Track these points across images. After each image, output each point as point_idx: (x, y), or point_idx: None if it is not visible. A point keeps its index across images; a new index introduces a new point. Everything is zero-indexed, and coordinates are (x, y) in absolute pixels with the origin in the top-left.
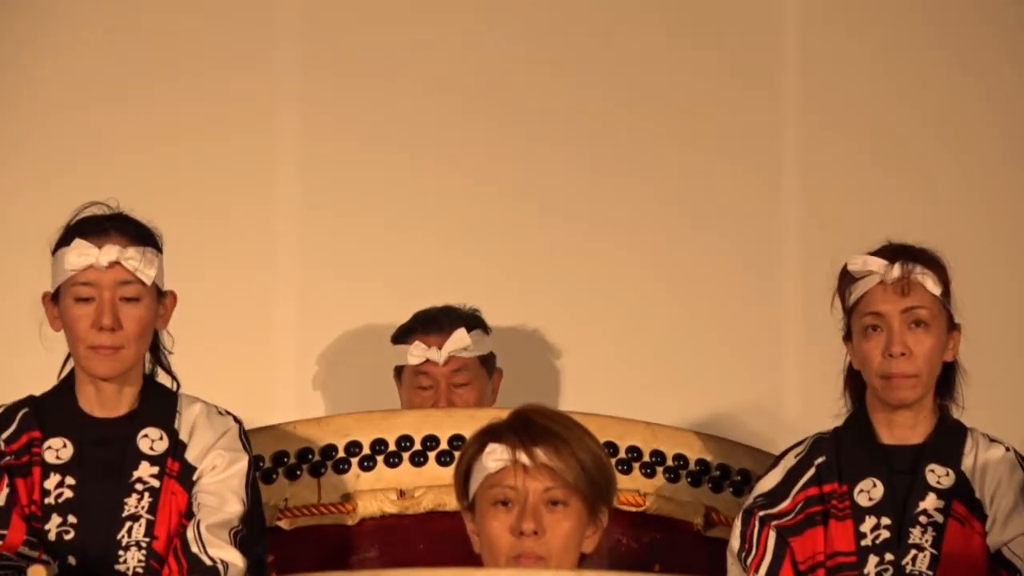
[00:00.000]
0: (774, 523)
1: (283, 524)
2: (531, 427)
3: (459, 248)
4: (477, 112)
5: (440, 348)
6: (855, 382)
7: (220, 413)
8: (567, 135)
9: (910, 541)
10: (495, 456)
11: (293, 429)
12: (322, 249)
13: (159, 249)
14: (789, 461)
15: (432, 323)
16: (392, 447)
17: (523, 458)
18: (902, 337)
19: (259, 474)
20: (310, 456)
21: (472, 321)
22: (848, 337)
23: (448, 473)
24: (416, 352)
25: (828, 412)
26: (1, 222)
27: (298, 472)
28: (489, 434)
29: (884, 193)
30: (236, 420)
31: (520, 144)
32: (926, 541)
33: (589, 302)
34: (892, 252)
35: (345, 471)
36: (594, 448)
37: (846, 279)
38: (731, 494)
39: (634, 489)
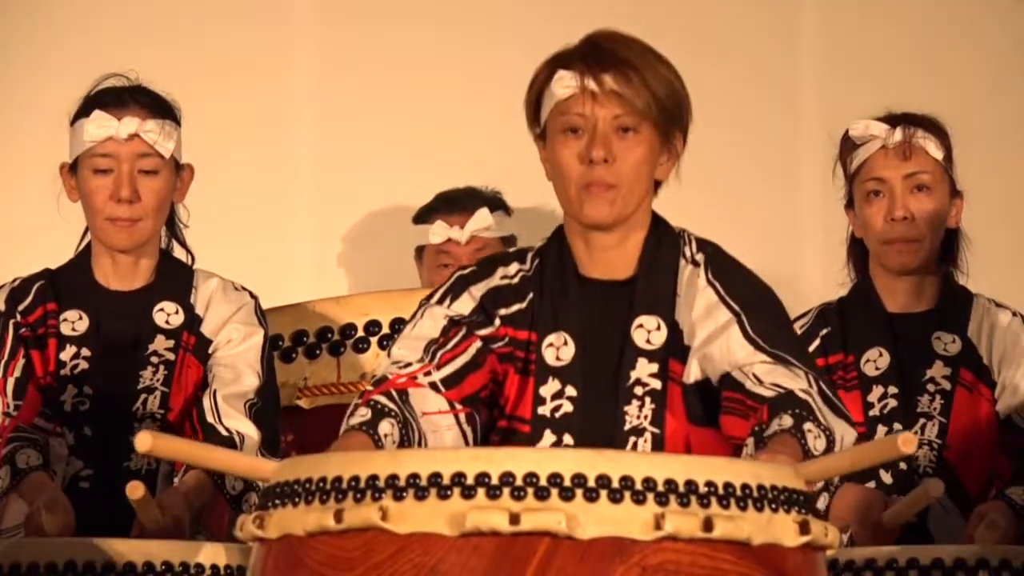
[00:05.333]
0: None
1: (303, 403)
2: (600, 53)
3: (482, 130)
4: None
5: (462, 227)
6: (858, 251)
7: (236, 288)
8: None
9: (918, 410)
10: (563, 83)
11: (312, 308)
12: (342, 129)
13: (178, 122)
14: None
15: (455, 203)
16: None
17: (591, 85)
18: (904, 201)
19: (278, 353)
20: (329, 335)
21: (494, 202)
22: (850, 205)
23: None
24: (438, 231)
25: (845, 285)
26: (19, 92)
27: (317, 351)
28: (558, 60)
29: (900, 69)
30: (252, 295)
31: (543, 23)
32: (934, 409)
33: None
34: (893, 117)
35: (364, 350)
36: (666, 74)
37: (847, 145)
38: None
39: None
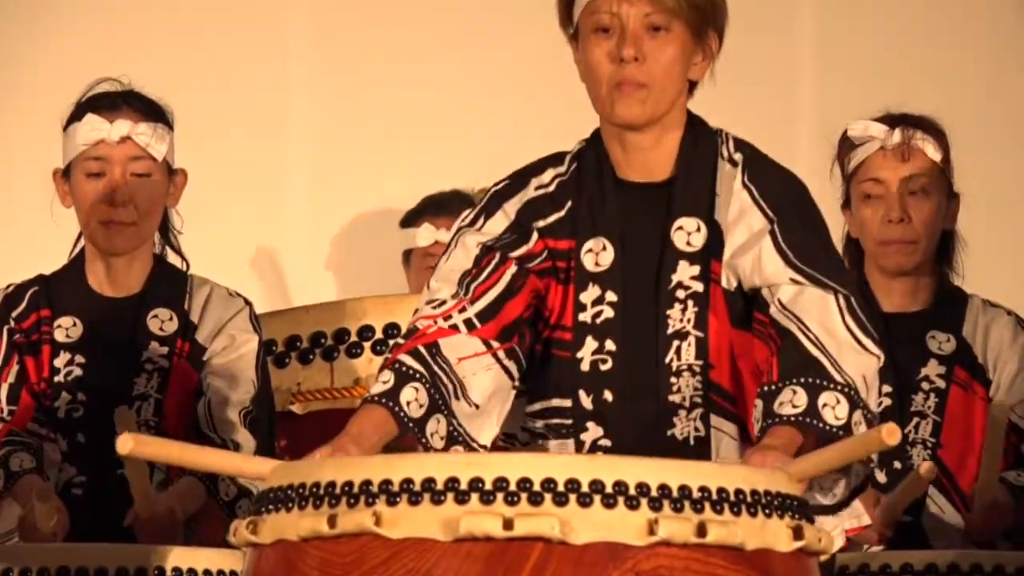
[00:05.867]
0: None
1: (296, 408)
2: None
3: (473, 135)
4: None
5: (448, 229)
6: (853, 251)
7: (230, 294)
8: None
9: (912, 408)
10: None
11: (306, 313)
12: (335, 135)
13: (170, 126)
14: None
15: (441, 206)
16: (405, 331)
17: None
18: (902, 203)
19: (272, 358)
20: (323, 340)
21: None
22: (846, 205)
23: None
24: (425, 234)
25: None
26: (12, 98)
27: (311, 356)
28: None
29: (898, 68)
30: (246, 302)
31: (535, 29)
32: (928, 408)
33: None
34: (893, 118)
35: (358, 355)
36: None
37: (846, 145)
38: None
39: None
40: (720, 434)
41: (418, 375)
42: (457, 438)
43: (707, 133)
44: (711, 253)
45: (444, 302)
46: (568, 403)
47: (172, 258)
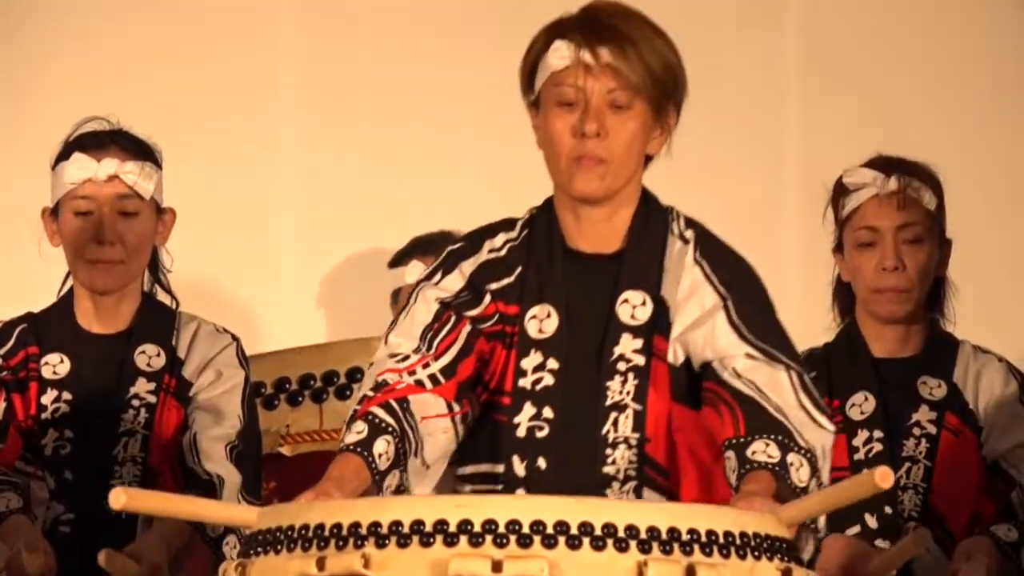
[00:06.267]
0: None
1: (285, 450)
2: (597, 25)
3: (462, 178)
4: (480, 37)
5: None
6: (844, 294)
7: (218, 331)
8: None
9: (904, 454)
10: (559, 54)
11: (295, 355)
12: (324, 177)
13: (159, 164)
14: None
15: (430, 246)
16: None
17: (587, 57)
18: (896, 251)
19: (261, 400)
20: (312, 382)
21: None
22: (839, 249)
23: None
24: (413, 272)
25: (828, 329)
26: (0, 138)
27: (300, 398)
28: (555, 30)
29: (884, 109)
30: (234, 338)
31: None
32: (919, 453)
33: None
34: (888, 165)
35: (347, 397)
36: (662, 48)
37: (840, 190)
38: None
39: None
40: None
41: (390, 429)
42: (401, 493)
43: (659, 210)
44: (655, 328)
45: (407, 356)
46: (500, 468)
47: (161, 296)
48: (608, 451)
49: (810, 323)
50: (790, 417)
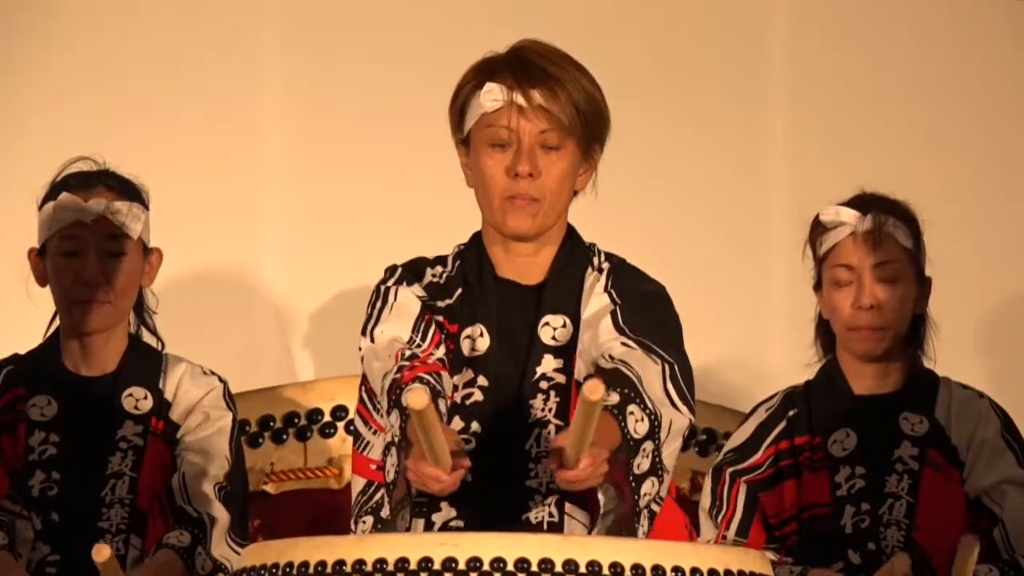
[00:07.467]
0: (744, 478)
1: (269, 488)
2: (528, 67)
3: (449, 214)
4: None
5: None
6: (825, 331)
7: (205, 373)
8: None
9: (886, 490)
10: (491, 96)
11: (279, 393)
12: (309, 212)
13: (145, 205)
14: (760, 415)
15: None
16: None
17: (519, 100)
18: (872, 290)
19: (245, 438)
20: (296, 420)
21: None
22: (819, 286)
23: None
24: None
25: (811, 365)
26: None
27: (284, 436)
28: (487, 71)
29: (870, 144)
30: (221, 380)
31: None
32: (902, 489)
33: None
34: (864, 203)
35: (331, 435)
36: (588, 88)
37: (817, 229)
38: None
39: None
40: (573, 521)
41: (442, 395)
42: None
43: (581, 246)
44: (575, 349)
45: (412, 340)
46: None
47: (147, 337)
48: (531, 465)
49: (792, 361)
50: (646, 387)
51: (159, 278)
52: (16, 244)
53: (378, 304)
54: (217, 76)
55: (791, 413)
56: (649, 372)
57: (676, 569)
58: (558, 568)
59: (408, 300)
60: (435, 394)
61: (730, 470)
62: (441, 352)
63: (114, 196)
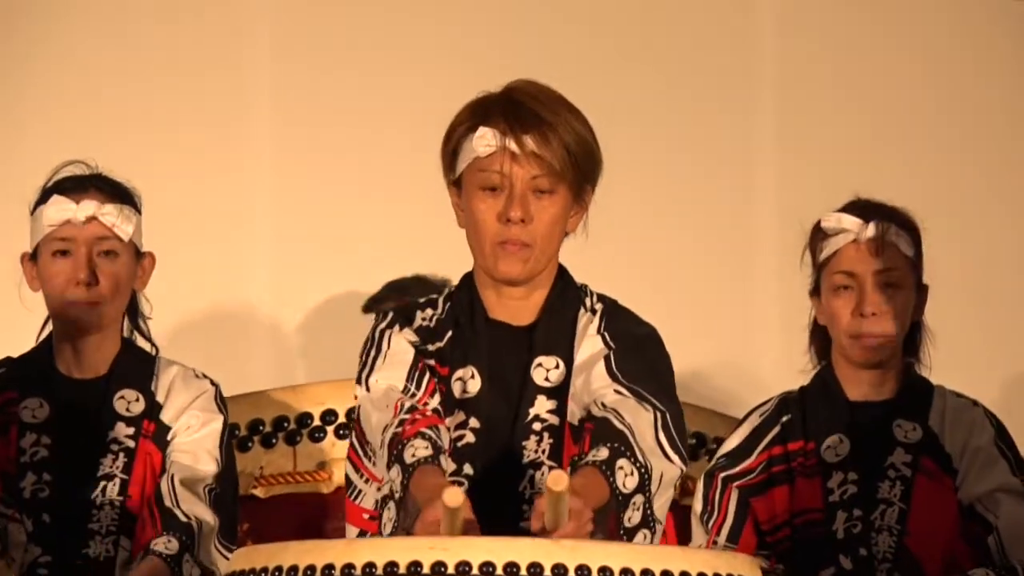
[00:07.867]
0: (736, 484)
1: (258, 492)
2: (521, 111)
3: (437, 223)
4: (460, 68)
5: None
6: (820, 337)
7: (197, 376)
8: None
9: (878, 496)
10: (484, 141)
11: (269, 397)
12: (298, 218)
13: (137, 209)
14: (754, 420)
15: (404, 291)
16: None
17: (512, 145)
18: (873, 297)
19: (235, 442)
20: (285, 424)
21: (443, 290)
22: (815, 292)
23: None
24: None
25: (804, 372)
26: None
27: (273, 440)
28: (480, 115)
29: (859, 151)
30: (212, 383)
31: None
32: (894, 495)
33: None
34: (867, 210)
35: (321, 439)
36: (580, 130)
37: (818, 234)
38: (707, 463)
39: None
40: None
41: (443, 449)
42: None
43: (573, 288)
44: (568, 390)
45: (408, 389)
46: None
47: (141, 342)
48: (525, 507)
49: (783, 368)
50: (637, 439)
51: (151, 281)
52: (11, 247)
53: (372, 352)
54: (210, 87)
55: (785, 418)
56: (641, 422)
57: (665, 573)
58: (547, 572)
59: (401, 347)
60: (436, 450)
61: (722, 475)
62: (436, 401)
63: (105, 198)
